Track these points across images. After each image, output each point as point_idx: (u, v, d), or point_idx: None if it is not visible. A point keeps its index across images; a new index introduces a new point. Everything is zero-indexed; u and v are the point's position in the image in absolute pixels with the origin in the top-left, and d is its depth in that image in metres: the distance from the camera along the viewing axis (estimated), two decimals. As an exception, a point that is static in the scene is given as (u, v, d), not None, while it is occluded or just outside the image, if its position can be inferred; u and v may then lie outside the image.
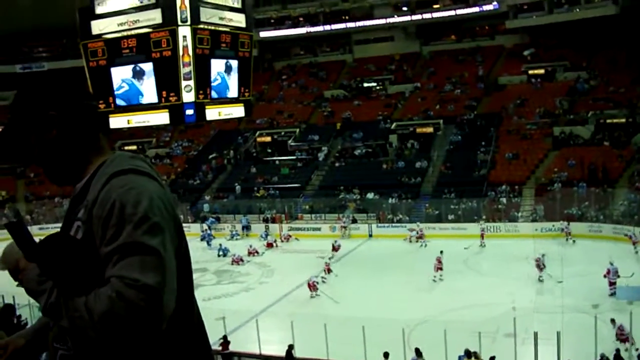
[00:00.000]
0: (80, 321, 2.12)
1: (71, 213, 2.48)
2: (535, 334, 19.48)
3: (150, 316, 2.09)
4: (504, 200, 43.91)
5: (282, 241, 44.89)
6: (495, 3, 60.16)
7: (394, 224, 44.80)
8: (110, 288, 2.08)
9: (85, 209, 2.36)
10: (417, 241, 41.16)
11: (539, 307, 26.31)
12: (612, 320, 22.54)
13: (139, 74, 10.10)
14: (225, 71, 10.90)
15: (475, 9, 61.51)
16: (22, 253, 2.32)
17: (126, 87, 10.31)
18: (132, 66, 10.08)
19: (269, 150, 59.43)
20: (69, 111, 2.48)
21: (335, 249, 39.39)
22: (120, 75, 10.28)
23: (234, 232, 47.76)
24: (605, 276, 28.37)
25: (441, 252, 33.36)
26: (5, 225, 2.29)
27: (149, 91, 10.08)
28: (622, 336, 21.63)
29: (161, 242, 2.20)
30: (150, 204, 2.25)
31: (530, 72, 57.61)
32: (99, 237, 2.24)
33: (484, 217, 42.81)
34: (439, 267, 32.66)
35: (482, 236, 39.96)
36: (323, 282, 32.99)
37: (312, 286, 31.40)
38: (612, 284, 28.18)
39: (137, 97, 10.33)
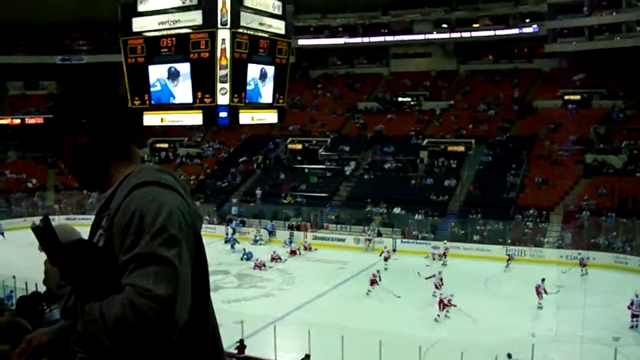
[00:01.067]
0: (94, 326, 2.18)
1: (96, 221, 2.55)
2: (553, 363, 19.38)
3: (160, 326, 2.13)
4: (530, 224, 43.61)
5: (305, 249, 44.87)
6: (535, 26, 60.05)
7: (418, 241, 44.68)
8: (124, 296, 2.14)
9: (107, 217, 2.42)
10: (440, 259, 40.99)
11: (559, 335, 26.12)
12: None
13: (175, 74, 10.20)
14: (261, 77, 10.97)
15: (515, 31, 61.41)
16: (47, 256, 2.40)
17: (161, 86, 10.41)
18: (169, 65, 10.18)
19: (299, 158, 59.59)
20: (101, 121, 2.55)
21: (385, 259, 39.84)
22: (157, 74, 10.39)
23: (257, 237, 47.92)
24: (629, 307, 28.13)
25: (543, 279, 31.64)
26: (32, 229, 2.35)
27: (184, 91, 10.17)
28: None
29: (177, 254, 2.24)
30: (170, 217, 2.29)
31: (566, 97, 57.14)
32: (118, 245, 2.30)
33: (508, 240, 42.55)
34: (538, 293, 31.19)
35: (508, 259, 39.84)
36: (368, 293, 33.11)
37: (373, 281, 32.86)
38: (634, 316, 27.95)
39: (171, 97, 10.43)
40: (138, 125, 10.78)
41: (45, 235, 2.32)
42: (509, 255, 40.25)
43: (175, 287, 2.17)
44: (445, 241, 42.39)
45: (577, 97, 56.98)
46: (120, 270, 2.23)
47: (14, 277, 27.72)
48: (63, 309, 2.35)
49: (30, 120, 63.11)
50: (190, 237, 2.38)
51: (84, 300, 2.25)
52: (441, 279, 32.26)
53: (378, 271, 34.75)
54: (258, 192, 53.83)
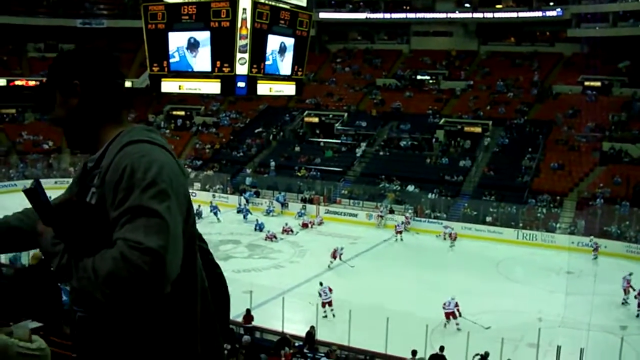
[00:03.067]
0: (87, 282, 2.21)
1: (85, 180, 2.61)
2: (559, 348, 19.45)
3: (152, 278, 2.15)
4: (544, 209, 43.49)
5: (318, 224, 44.97)
6: (559, 9, 59.36)
7: (430, 220, 44.68)
8: (115, 250, 2.16)
9: (99, 175, 2.47)
10: (451, 239, 41.02)
11: (566, 321, 26.13)
12: None
13: (194, 42, 10.19)
14: (281, 48, 10.96)
15: (538, 14, 60.76)
16: (39, 217, 2.42)
17: (181, 53, 10.41)
18: (189, 33, 10.17)
19: (316, 132, 59.54)
20: (92, 84, 2.61)
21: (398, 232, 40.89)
22: (177, 41, 10.39)
23: (270, 208, 48.04)
24: (636, 297, 28.13)
25: (630, 274, 30.37)
26: (23, 192, 2.38)
27: (203, 60, 10.16)
28: None
29: (167, 208, 2.27)
30: (160, 171, 2.33)
31: (586, 83, 56.58)
32: (109, 201, 2.34)
33: (520, 224, 42.50)
34: (628, 288, 29.84)
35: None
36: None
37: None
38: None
39: (189, 64, 10.43)
40: (156, 90, 10.86)
41: (37, 196, 2.35)
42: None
43: (166, 240, 2.19)
44: (451, 227, 42.36)
45: (598, 84, 56.29)
46: (112, 226, 2.27)
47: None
48: (57, 266, 2.36)
49: (48, 82, 63.10)
50: (180, 194, 2.41)
51: (77, 257, 2.27)
52: None
53: (342, 248, 35.38)
54: (272, 163, 53.90)
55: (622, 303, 28.98)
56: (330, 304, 26.85)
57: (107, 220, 2.31)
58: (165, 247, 2.17)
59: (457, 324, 25.65)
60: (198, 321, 2.61)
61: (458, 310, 26.05)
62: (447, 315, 26.00)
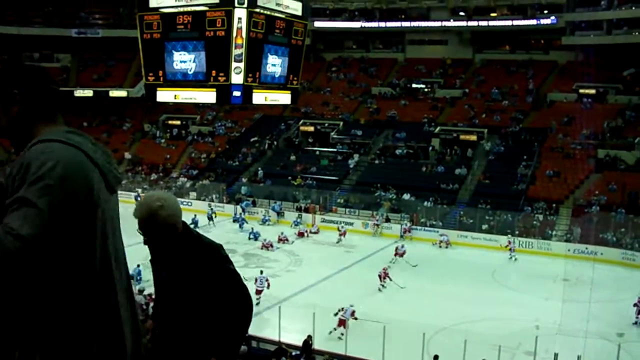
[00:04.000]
0: None
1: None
2: (556, 355, 19.43)
3: (16, 262, 2.43)
4: (539, 216, 43.49)
5: (314, 233, 44.92)
6: (553, 17, 59.49)
7: (426, 228, 44.66)
8: None
9: (10, 169, 2.70)
10: (446, 247, 41.09)
11: (563, 328, 26.11)
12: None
13: (190, 52, 10.20)
14: (276, 57, 10.96)
15: (533, 22, 60.88)
16: None
17: (176, 63, 10.42)
18: (184, 42, 10.18)
19: (311, 140, 59.58)
20: (30, 92, 2.83)
21: (398, 254, 37.58)
22: (172, 50, 10.39)
23: (266, 217, 47.98)
24: (635, 305, 28.12)
25: None
26: None
27: (198, 69, 10.18)
28: None
29: (47, 202, 2.51)
30: (52, 168, 2.57)
31: (581, 91, 56.69)
32: (9, 191, 2.58)
33: (517, 232, 42.46)
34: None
35: (510, 249, 39.88)
36: (381, 289, 32.24)
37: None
38: (640, 313, 27.93)
39: (185, 74, 10.43)
40: (152, 99, 10.84)
41: None
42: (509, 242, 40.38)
43: (38, 229, 2.47)
44: (446, 235, 42.47)
45: (593, 92, 56.46)
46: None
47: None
48: None
49: (43, 92, 63.14)
50: (74, 193, 2.63)
51: None
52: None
53: (388, 266, 34.48)
54: (260, 172, 53.94)
55: (634, 323, 28.34)
56: (260, 292, 27.60)
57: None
58: (35, 235, 2.45)
59: (342, 334, 24.86)
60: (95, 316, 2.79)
61: (354, 318, 25.39)
62: (341, 322, 25.27)
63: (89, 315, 2.76)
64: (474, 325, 26.08)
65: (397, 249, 37.64)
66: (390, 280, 32.01)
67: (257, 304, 26.68)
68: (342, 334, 24.72)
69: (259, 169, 54.67)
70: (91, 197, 2.72)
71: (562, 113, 54.16)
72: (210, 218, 45.27)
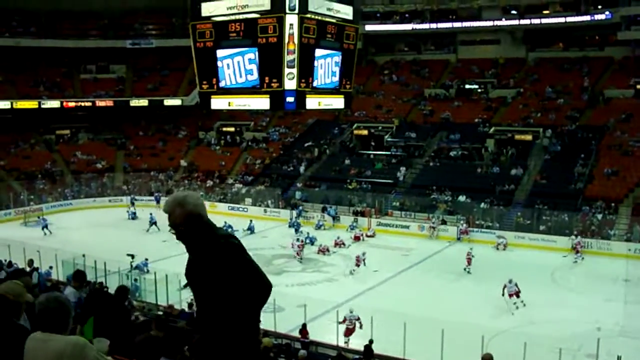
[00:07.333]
0: None
1: None
2: (619, 358, 19.09)
3: None
4: (598, 216, 42.83)
5: (369, 236, 44.93)
6: (608, 13, 58.53)
7: (482, 230, 44.34)
8: None
9: None
10: (504, 249, 40.71)
11: (625, 330, 25.74)
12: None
13: (243, 59, 10.32)
14: (329, 62, 11.04)
15: (586, 18, 59.99)
16: None
17: (229, 70, 10.55)
18: (237, 50, 10.31)
19: (365, 144, 59.57)
20: None
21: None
22: (225, 58, 10.53)
23: (320, 222, 48.14)
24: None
25: None
26: None
27: (251, 76, 10.30)
28: None
29: None
30: None
31: (639, 86, 55.71)
32: None
33: (575, 232, 41.82)
34: None
35: (576, 251, 39.36)
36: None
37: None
38: None
39: (238, 81, 10.56)
40: (206, 107, 11.05)
41: None
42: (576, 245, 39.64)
43: None
44: (504, 237, 42.03)
45: (651, 87, 55.54)
46: None
47: (83, 255, 28.54)
48: None
49: (100, 103, 64.40)
50: None
51: None
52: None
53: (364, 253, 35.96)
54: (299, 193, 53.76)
55: None
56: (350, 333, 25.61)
57: None
58: None
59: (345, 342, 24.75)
60: None
61: (360, 324, 24.91)
62: (348, 332, 25.07)
63: None
64: (534, 328, 25.85)
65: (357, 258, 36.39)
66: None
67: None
68: (346, 343, 24.71)
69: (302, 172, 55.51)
70: None
71: (620, 110, 53.24)
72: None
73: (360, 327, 24.87)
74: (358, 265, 35.46)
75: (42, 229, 44.90)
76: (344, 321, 25.19)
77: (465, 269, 35.57)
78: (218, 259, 4.02)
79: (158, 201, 53.51)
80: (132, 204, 53.91)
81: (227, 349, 4.06)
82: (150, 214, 45.65)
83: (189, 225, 4.10)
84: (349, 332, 25.17)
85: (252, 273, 4.13)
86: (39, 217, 47.89)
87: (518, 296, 28.29)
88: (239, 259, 4.08)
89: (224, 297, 4.00)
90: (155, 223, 44.73)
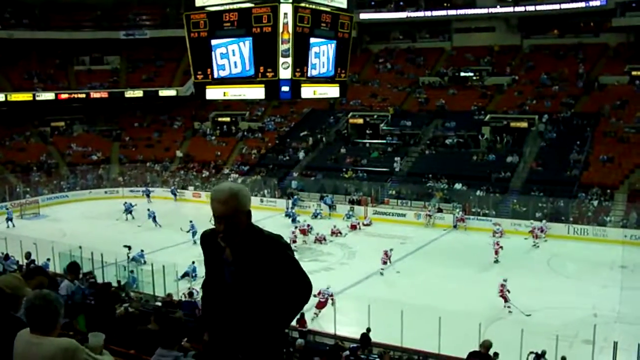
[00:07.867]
0: None
1: None
2: (615, 344, 19.18)
3: None
4: (594, 202, 42.87)
5: (366, 225, 44.95)
6: (603, -1, 58.47)
7: (479, 217, 44.37)
8: None
9: None
10: (500, 236, 40.68)
11: (622, 316, 25.83)
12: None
13: (237, 48, 10.30)
14: (323, 51, 11.02)
15: (581, 4, 59.75)
16: None
17: (224, 60, 10.53)
18: (231, 39, 10.28)
19: (361, 133, 59.54)
20: None
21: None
22: (219, 47, 10.51)
23: (317, 211, 48.18)
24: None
25: None
26: None
27: (246, 66, 10.28)
28: None
29: None
30: None
31: (634, 73, 55.68)
32: None
33: (571, 218, 41.87)
34: None
35: (535, 235, 39.73)
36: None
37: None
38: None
39: (233, 71, 10.54)
40: (201, 97, 11.04)
41: None
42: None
43: None
44: (499, 224, 41.85)
45: (645, 73, 55.50)
46: None
47: (80, 247, 28.55)
48: None
49: (95, 95, 64.24)
50: None
51: None
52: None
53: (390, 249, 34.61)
54: (294, 183, 53.93)
55: None
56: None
57: None
58: None
59: (315, 314, 25.86)
60: None
61: (332, 301, 25.90)
62: (320, 304, 25.92)
63: None
64: (531, 315, 25.95)
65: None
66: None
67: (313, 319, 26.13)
68: (316, 314, 25.84)
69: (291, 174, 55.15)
70: None
71: (615, 96, 53.25)
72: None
73: (332, 303, 25.77)
74: (385, 263, 33.72)
75: (7, 221, 44.85)
76: (318, 294, 25.61)
77: (495, 260, 35.31)
78: (271, 258, 3.98)
79: (148, 195, 53.57)
80: (147, 195, 54.02)
81: (271, 347, 4.11)
82: (148, 209, 45.60)
83: (239, 220, 3.99)
84: (320, 305, 25.91)
85: (299, 272, 4.10)
86: (7, 210, 47.61)
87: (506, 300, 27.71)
88: (289, 258, 4.05)
89: (274, 296, 3.98)
90: (154, 218, 44.47)
